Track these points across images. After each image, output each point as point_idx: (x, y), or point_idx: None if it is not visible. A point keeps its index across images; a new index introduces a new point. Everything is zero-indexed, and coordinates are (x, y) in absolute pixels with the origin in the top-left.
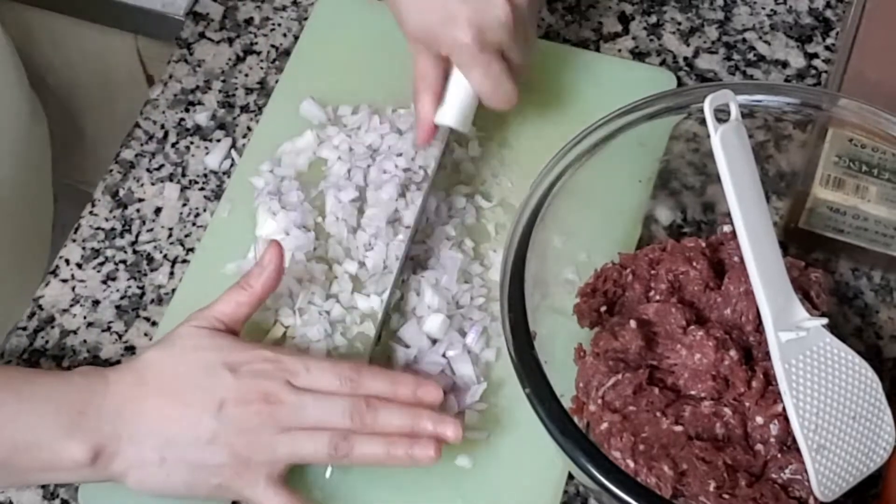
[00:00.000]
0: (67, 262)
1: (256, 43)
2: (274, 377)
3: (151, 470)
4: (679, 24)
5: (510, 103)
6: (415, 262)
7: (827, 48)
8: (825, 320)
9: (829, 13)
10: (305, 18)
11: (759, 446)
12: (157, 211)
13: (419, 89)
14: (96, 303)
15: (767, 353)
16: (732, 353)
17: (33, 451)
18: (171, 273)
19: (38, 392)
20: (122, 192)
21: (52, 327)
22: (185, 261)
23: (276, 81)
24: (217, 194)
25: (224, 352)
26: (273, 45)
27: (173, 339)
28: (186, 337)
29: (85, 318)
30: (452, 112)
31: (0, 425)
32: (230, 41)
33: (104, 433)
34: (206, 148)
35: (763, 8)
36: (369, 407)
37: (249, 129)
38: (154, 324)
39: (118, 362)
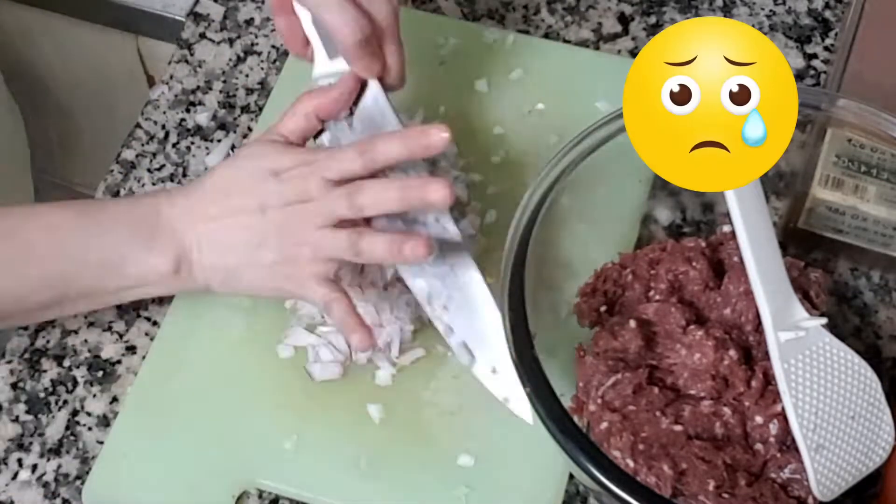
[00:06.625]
0: None
1: (257, 43)
2: (310, 177)
3: (224, 275)
4: None
5: (361, 32)
6: None
7: (826, 49)
8: (824, 320)
9: (828, 14)
10: None
11: (758, 446)
12: None
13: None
14: None
15: (767, 353)
16: (732, 352)
17: (120, 269)
18: None
19: (114, 216)
20: (122, 192)
21: (54, 327)
22: None
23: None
24: None
25: (270, 157)
26: (273, 46)
27: (235, 153)
28: (245, 148)
29: (86, 317)
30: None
31: (86, 250)
32: (231, 42)
33: (179, 244)
34: (207, 148)
35: (762, 8)
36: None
37: (250, 129)
38: (155, 323)
39: (119, 362)
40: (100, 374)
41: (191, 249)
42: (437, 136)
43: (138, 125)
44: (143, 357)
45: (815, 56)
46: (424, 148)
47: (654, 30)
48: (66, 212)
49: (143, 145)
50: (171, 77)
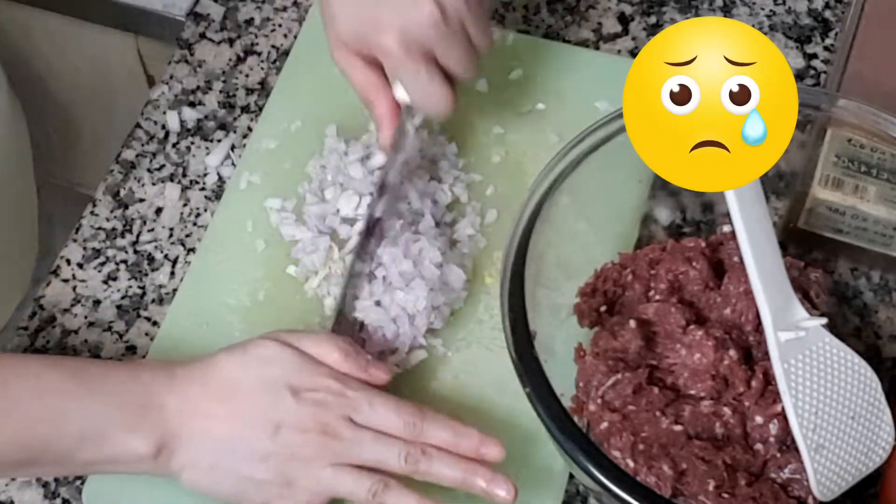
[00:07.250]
0: (68, 262)
1: (257, 43)
2: (335, 409)
3: (202, 473)
4: None
5: (442, 110)
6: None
7: (826, 49)
8: (824, 320)
9: (828, 14)
10: (306, 19)
11: (758, 446)
12: (158, 211)
13: (371, 98)
14: (97, 303)
15: (767, 353)
16: (732, 352)
17: (99, 443)
18: (172, 273)
19: (106, 385)
20: (122, 193)
21: (54, 327)
22: (186, 261)
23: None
24: (218, 194)
25: (290, 372)
26: (274, 46)
27: (245, 346)
28: (259, 346)
29: (86, 317)
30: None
31: (69, 417)
32: (231, 42)
33: (166, 429)
34: (207, 148)
35: (762, 8)
36: (425, 454)
37: (250, 129)
38: (155, 324)
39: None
40: None
41: (176, 439)
42: (495, 452)
43: (138, 125)
44: (143, 357)
45: (815, 56)
46: (476, 453)
47: (654, 30)
48: (60, 373)
49: (143, 145)
50: (171, 77)
